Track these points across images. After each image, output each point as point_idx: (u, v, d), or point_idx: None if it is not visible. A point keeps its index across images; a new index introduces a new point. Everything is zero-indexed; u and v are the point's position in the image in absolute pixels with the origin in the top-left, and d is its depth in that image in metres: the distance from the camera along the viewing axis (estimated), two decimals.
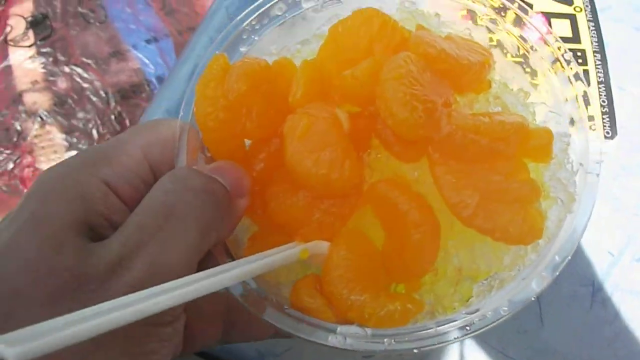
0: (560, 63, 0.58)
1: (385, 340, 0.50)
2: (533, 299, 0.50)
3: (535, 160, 0.56)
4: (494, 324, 0.50)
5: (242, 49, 0.60)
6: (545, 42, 0.59)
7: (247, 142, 0.59)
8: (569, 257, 0.51)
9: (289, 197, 0.55)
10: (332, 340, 0.50)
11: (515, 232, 0.52)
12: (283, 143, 0.54)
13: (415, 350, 0.50)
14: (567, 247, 0.52)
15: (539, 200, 0.54)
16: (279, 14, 0.61)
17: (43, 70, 2.22)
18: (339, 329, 0.50)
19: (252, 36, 0.60)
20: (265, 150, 0.57)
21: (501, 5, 0.61)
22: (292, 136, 0.53)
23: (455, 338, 0.50)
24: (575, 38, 0.87)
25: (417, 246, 0.53)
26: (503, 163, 0.54)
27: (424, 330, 0.51)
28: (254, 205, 0.57)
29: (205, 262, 0.48)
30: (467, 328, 0.50)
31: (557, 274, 0.51)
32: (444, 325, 0.51)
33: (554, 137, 0.55)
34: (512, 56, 0.62)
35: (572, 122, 0.57)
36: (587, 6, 0.90)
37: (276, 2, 0.60)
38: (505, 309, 0.50)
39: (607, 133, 0.78)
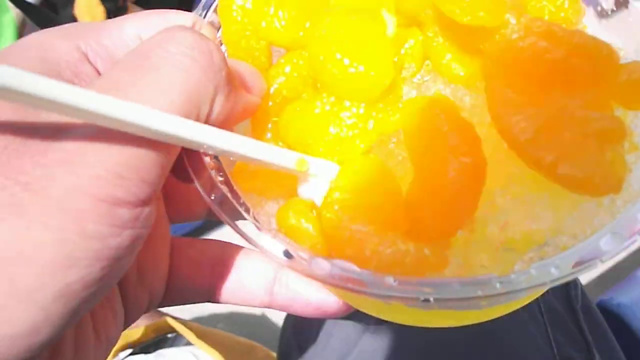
0: None
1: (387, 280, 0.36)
2: (601, 261, 0.36)
3: (623, 103, 0.42)
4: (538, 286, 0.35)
5: None
6: None
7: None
8: None
9: (305, 105, 0.45)
10: (314, 266, 0.37)
11: (587, 173, 0.38)
12: (313, 37, 0.44)
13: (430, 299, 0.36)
14: None
15: (622, 142, 0.40)
16: None
17: None
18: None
19: None
20: (291, 63, 0.47)
21: None
22: (325, 28, 0.43)
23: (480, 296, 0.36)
24: None
25: (453, 185, 0.40)
26: (581, 91, 0.41)
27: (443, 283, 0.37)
28: (262, 122, 0.47)
29: None
30: (499, 284, 0.36)
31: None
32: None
33: None
34: None
35: None
36: None
37: None
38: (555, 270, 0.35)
39: None
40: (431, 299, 0.36)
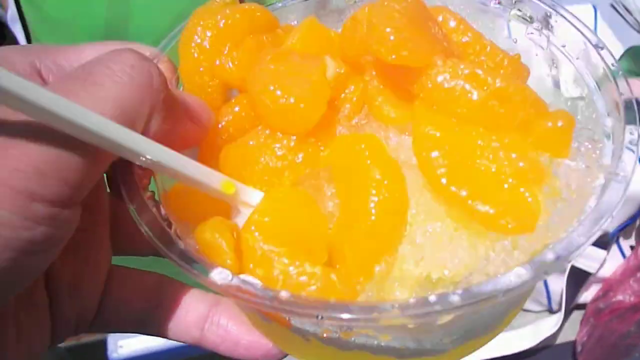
0: None
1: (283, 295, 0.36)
2: (501, 296, 0.35)
3: (549, 150, 0.42)
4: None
5: None
6: None
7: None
8: (568, 262, 0.36)
9: (243, 138, 0.46)
10: (215, 275, 0.37)
11: (499, 211, 0.38)
12: (253, 72, 0.46)
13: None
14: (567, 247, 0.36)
15: (541, 185, 0.40)
16: None
17: None
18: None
19: (277, 3, 0.56)
20: (241, 104, 0.49)
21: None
22: (266, 62, 0.46)
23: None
24: None
25: (374, 221, 0.41)
26: (503, 133, 0.41)
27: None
28: (208, 156, 0.48)
29: None
30: (393, 308, 0.35)
31: (547, 275, 0.36)
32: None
33: (575, 125, 0.42)
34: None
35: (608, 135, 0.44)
36: None
37: None
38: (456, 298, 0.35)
39: None
40: (323, 317, 0.35)
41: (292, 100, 0.43)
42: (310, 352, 0.47)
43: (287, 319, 0.43)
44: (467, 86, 0.41)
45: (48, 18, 1.42)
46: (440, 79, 0.42)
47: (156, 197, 0.45)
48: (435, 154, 0.41)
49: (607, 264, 1.51)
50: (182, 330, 0.50)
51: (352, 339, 0.43)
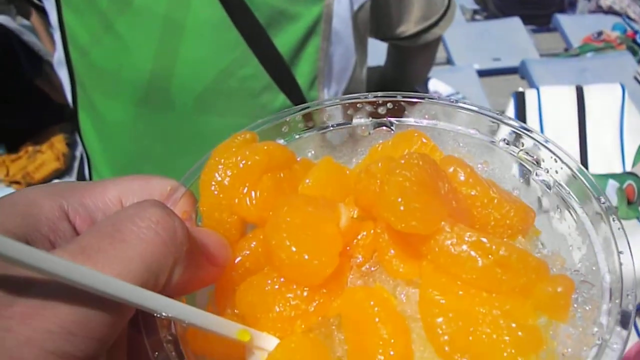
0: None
1: None
2: None
3: (547, 313, 0.45)
4: None
5: (280, 141, 0.58)
6: None
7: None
8: None
9: (260, 280, 0.49)
10: None
11: None
12: (270, 222, 0.49)
13: None
14: None
15: (539, 352, 0.42)
16: (326, 121, 0.59)
17: None
18: None
19: (294, 135, 0.59)
20: (257, 239, 0.52)
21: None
22: (283, 213, 0.48)
23: None
24: None
25: None
26: (504, 299, 0.44)
27: None
28: (225, 290, 0.51)
29: None
30: None
31: None
32: None
33: (574, 290, 0.45)
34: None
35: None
36: None
37: (325, 107, 0.59)
38: None
39: None
40: None
41: (306, 257, 0.45)
42: None
43: None
44: (473, 253, 0.44)
45: (94, 66, 1.47)
46: (447, 243, 0.44)
47: (174, 334, 0.47)
48: (439, 320, 0.43)
49: None
50: None
51: None
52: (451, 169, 0.51)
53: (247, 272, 0.51)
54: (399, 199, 0.44)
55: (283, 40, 1.40)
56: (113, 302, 0.38)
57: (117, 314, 0.39)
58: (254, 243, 0.52)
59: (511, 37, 3.53)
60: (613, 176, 1.67)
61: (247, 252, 0.52)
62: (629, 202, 1.71)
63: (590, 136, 2.09)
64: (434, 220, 0.44)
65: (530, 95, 2.36)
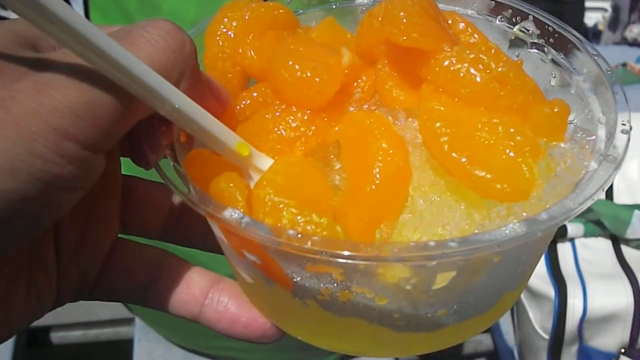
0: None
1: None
2: (497, 247, 0.37)
3: (545, 135, 0.45)
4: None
5: None
6: None
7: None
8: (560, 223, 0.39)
9: (259, 114, 0.49)
10: (227, 213, 0.40)
11: (496, 176, 0.41)
12: (275, 53, 0.50)
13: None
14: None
15: (537, 160, 0.43)
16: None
17: None
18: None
19: (298, 10, 0.60)
20: (259, 90, 0.53)
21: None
22: (287, 43, 0.50)
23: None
24: None
25: (377, 186, 0.44)
26: (503, 114, 0.45)
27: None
28: None
29: None
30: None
31: (539, 234, 0.38)
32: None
33: (570, 113, 0.46)
34: None
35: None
36: None
37: None
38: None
39: None
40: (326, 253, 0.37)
41: (308, 74, 0.46)
42: (308, 323, 0.49)
43: (290, 277, 0.44)
44: (472, 69, 0.45)
45: None
46: (446, 62, 0.45)
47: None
48: (439, 124, 0.44)
49: None
50: (182, 304, 0.51)
51: (350, 300, 0.44)
52: (450, 20, 0.52)
53: (247, 121, 0.52)
54: (402, 13, 0.45)
55: None
56: (121, 93, 0.39)
57: (123, 106, 0.39)
58: (256, 93, 0.52)
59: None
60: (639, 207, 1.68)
61: (248, 101, 0.52)
62: None
63: None
64: (435, 37, 0.45)
65: None
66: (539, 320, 1.65)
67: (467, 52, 0.45)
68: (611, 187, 1.98)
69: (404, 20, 0.45)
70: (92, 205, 0.49)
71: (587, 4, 3.99)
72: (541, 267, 1.65)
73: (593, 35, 4.02)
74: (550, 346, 1.62)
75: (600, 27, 4.15)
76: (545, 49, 0.55)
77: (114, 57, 0.37)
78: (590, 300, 1.53)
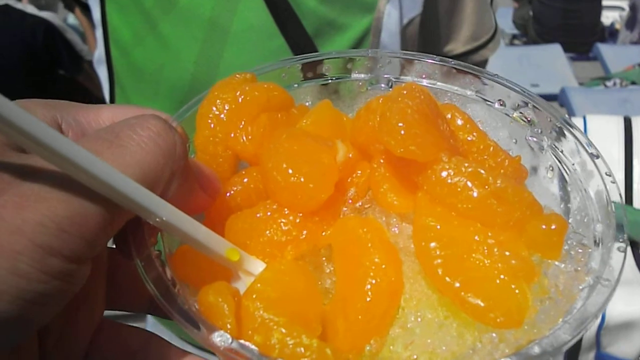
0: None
1: None
2: None
3: (540, 251, 0.45)
4: None
5: None
6: None
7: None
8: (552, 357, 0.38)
9: (249, 211, 0.48)
10: (216, 338, 0.39)
11: (489, 304, 0.40)
12: (268, 148, 0.49)
13: None
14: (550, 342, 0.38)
15: (532, 283, 0.42)
16: (326, 73, 0.59)
17: None
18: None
19: (294, 84, 0.59)
20: (250, 176, 0.52)
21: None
22: (280, 140, 0.48)
23: None
24: None
25: (368, 302, 0.43)
26: (498, 230, 0.44)
27: None
28: (215, 223, 0.50)
29: None
30: None
31: None
32: None
33: (567, 229, 0.45)
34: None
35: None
36: None
37: (326, 59, 0.59)
38: None
39: None
40: None
41: (302, 179, 0.45)
42: None
43: None
44: (469, 183, 0.44)
45: (134, 66, 1.42)
46: (444, 174, 0.45)
47: (162, 257, 0.46)
48: (433, 244, 0.43)
49: None
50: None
51: None
52: (449, 115, 0.51)
53: (238, 207, 0.51)
54: (400, 124, 0.44)
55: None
56: (107, 203, 0.38)
57: (109, 217, 0.38)
58: (247, 179, 0.51)
59: (550, 64, 3.49)
60: None
61: (239, 188, 0.51)
62: None
63: (636, 171, 2.03)
64: (433, 148, 0.44)
65: (576, 124, 2.31)
66: None
67: (466, 165, 0.44)
68: (631, 191, 1.95)
69: (402, 132, 0.43)
70: (77, 292, 0.48)
71: (604, 2, 3.92)
72: None
73: (610, 34, 3.96)
74: (567, 353, 1.61)
75: (617, 26, 4.10)
76: (544, 141, 0.54)
77: (97, 175, 0.36)
78: (609, 307, 1.52)
